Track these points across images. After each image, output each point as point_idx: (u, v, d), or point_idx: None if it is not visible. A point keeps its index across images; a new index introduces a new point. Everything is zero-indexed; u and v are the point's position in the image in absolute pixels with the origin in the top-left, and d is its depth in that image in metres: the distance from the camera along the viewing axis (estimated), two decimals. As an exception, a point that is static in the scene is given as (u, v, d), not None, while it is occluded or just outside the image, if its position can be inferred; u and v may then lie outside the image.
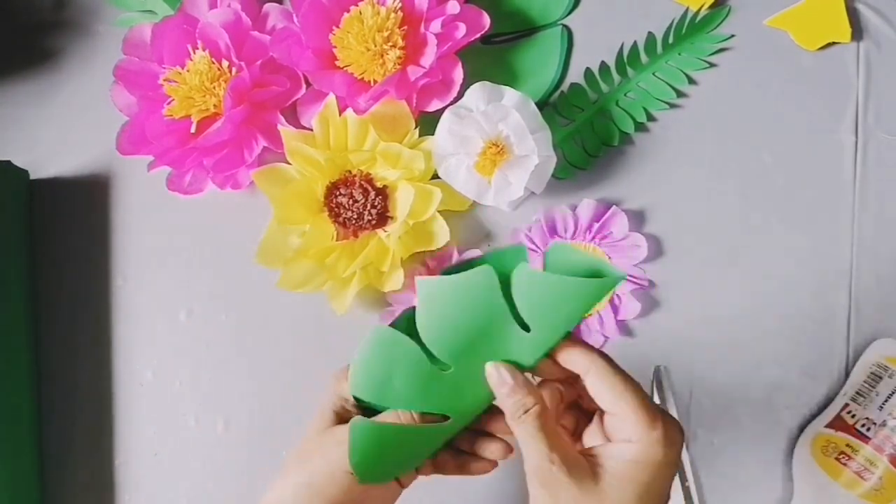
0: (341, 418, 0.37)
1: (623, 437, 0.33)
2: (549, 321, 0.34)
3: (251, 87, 0.48)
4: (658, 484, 0.32)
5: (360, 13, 0.47)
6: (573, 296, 0.34)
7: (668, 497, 0.33)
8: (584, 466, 0.33)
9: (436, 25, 0.47)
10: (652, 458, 0.32)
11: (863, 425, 0.47)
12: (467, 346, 0.35)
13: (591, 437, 0.37)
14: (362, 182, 0.49)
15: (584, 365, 0.34)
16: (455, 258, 0.50)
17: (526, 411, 0.33)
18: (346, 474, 0.35)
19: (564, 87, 0.52)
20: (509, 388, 0.34)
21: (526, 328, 0.34)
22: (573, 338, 0.35)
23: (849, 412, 0.48)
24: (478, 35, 0.49)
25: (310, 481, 0.35)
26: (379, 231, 0.49)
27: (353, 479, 0.35)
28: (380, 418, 0.37)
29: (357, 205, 0.48)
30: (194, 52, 0.49)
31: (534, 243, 0.50)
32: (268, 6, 0.51)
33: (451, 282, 0.35)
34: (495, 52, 0.52)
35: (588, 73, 0.52)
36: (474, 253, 0.50)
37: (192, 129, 0.48)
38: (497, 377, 0.34)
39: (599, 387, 0.33)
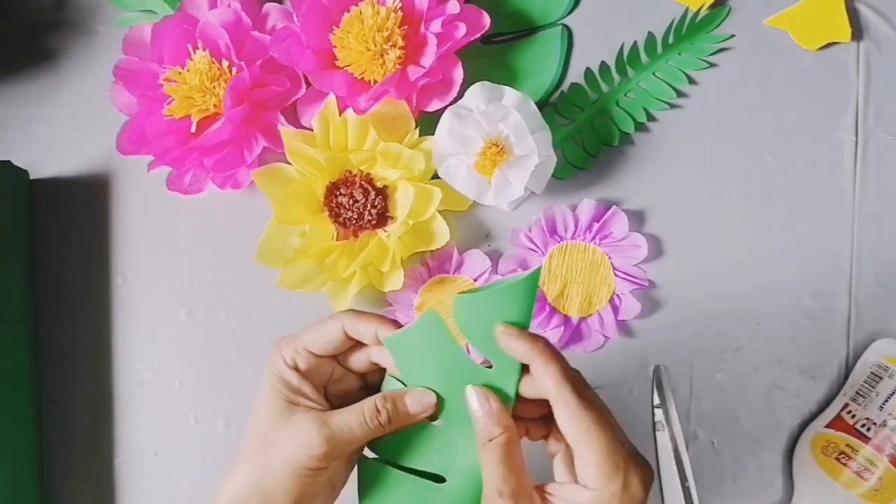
0: (289, 400, 0.36)
1: (582, 481, 0.32)
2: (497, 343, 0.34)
3: (251, 87, 0.48)
4: None
5: (360, 13, 0.47)
6: (507, 304, 0.33)
7: None
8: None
9: (436, 25, 0.47)
10: None
11: (863, 425, 0.47)
12: (447, 396, 0.35)
13: (558, 466, 0.36)
14: (362, 182, 0.49)
15: (553, 392, 0.33)
16: (455, 258, 0.50)
17: (491, 440, 0.33)
18: (303, 470, 0.34)
19: (564, 87, 0.52)
20: (481, 414, 0.34)
21: (488, 364, 0.34)
22: (549, 361, 0.33)
23: (849, 412, 0.48)
24: (478, 35, 0.49)
25: (265, 481, 0.35)
26: (379, 231, 0.49)
27: (312, 475, 0.34)
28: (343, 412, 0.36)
29: (357, 205, 0.48)
30: (194, 52, 0.49)
31: (534, 243, 0.50)
32: (268, 6, 0.51)
33: (408, 334, 0.35)
34: (495, 52, 0.52)
35: (588, 73, 0.52)
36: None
37: (192, 129, 0.48)
38: (474, 400, 0.34)
39: (566, 423, 0.32)
